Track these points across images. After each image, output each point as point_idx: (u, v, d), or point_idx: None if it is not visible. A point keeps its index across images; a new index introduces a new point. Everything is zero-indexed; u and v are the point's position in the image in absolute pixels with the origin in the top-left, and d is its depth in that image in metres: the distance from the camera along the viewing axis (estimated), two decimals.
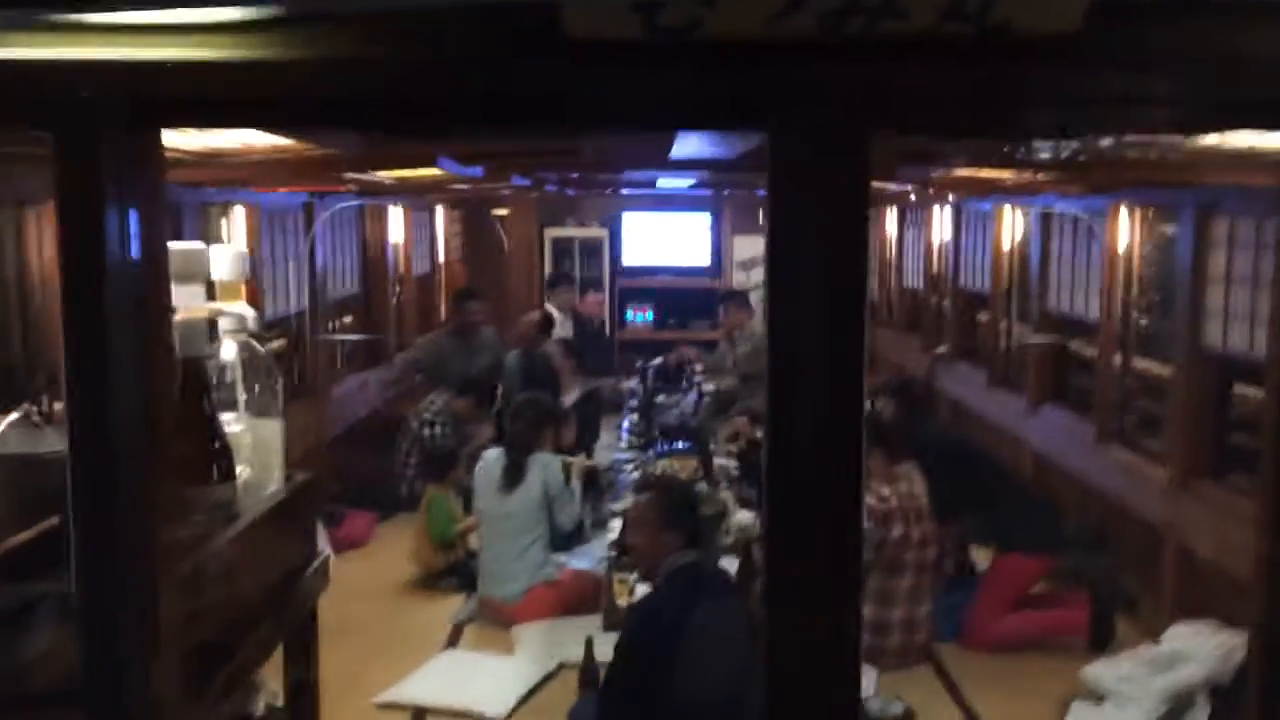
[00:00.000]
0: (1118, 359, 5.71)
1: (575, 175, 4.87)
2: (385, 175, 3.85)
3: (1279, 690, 1.46)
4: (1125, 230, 5.57)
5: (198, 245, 1.98)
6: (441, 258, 10.37)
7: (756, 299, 9.29)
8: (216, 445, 1.74)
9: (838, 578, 1.16)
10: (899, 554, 4.39)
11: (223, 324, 1.88)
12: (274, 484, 1.96)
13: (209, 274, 1.91)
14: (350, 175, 3.46)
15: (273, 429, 1.96)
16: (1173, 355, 5.09)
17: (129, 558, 1.26)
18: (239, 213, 5.64)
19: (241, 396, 1.91)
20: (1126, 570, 5.12)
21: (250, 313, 1.92)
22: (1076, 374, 6.50)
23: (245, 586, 1.75)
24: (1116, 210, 5.53)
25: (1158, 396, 5.62)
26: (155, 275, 1.26)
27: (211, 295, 1.97)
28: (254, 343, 1.94)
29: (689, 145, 3.30)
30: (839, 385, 1.12)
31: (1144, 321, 5.61)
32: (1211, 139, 2.58)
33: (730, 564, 4.53)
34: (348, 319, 7.68)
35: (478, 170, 3.91)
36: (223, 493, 1.72)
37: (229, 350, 1.89)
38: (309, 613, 2.13)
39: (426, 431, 6.58)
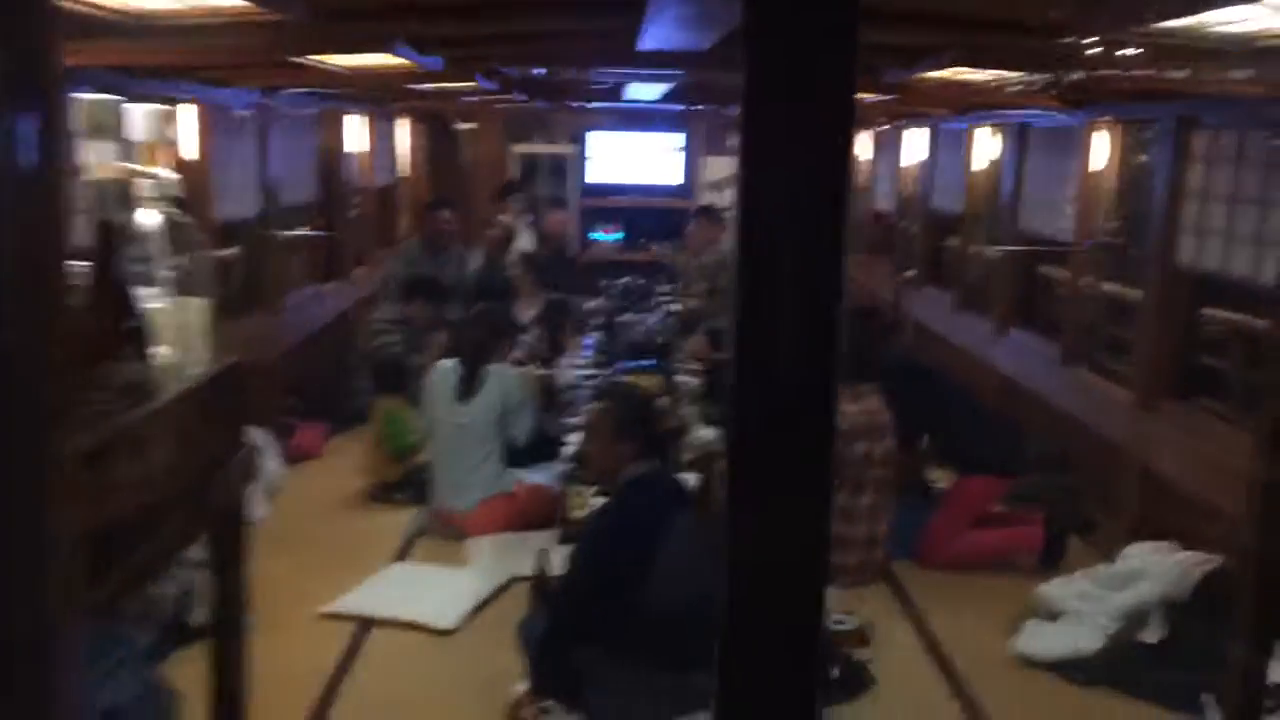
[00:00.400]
0: (1087, 280, 5.64)
1: (540, 73, 4.66)
2: (338, 63, 3.64)
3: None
4: (1102, 146, 5.46)
5: (110, 96, 1.81)
6: (405, 171, 10.11)
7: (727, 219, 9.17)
8: (129, 320, 1.60)
9: (808, 497, 1.05)
10: (861, 472, 4.33)
11: (141, 189, 1.73)
12: (197, 367, 1.83)
13: (122, 131, 1.75)
14: (299, 60, 3.26)
15: (198, 309, 1.83)
16: (1144, 276, 5.02)
17: (16, 429, 1.13)
18: (187, 112, 5.40)
19: (165, 271, 1.77)
20: (1088, 492, 5.10)
21: (172, 176, 1.77)
22: (1046, 297, 6.43)
23: (156, 473, 1.62)
24: (1093, 126, 5.41)
25: (1127, 319, 5.57)
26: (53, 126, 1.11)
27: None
28: (179, 212, 1.79)
29: (657, 35, 3.13)
30: (816, 298, 1.00)
31: (1118, 241, 5.53)
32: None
33: (692, 481, 4.46)
34: (304, 229, 7.45)
35: (437, 61, 3.71)
36: (134, 371, 1.59)
37: (149, 218, 1.75)
38: (232, 509, 2.01)
39: (376, 341, 6.41)
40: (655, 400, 4.70)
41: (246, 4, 2.16)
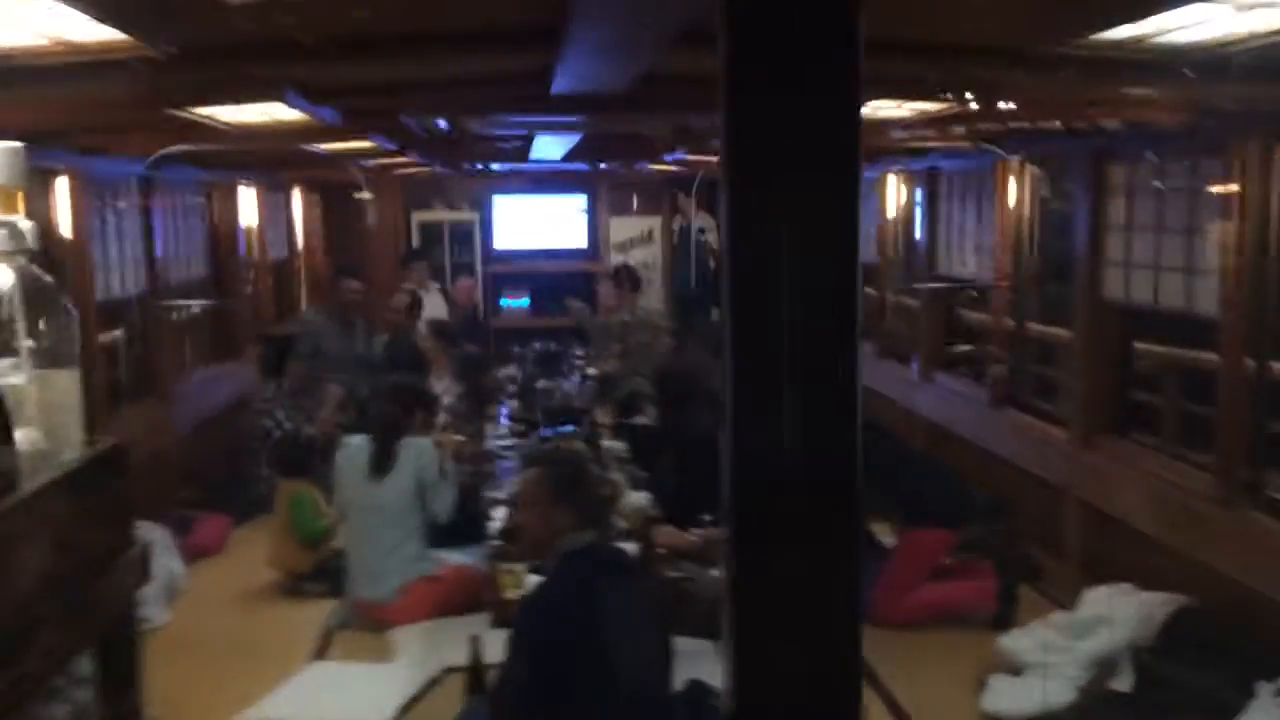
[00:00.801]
0: (1009, 321, 5.59)
1: (443, 127, 4.41)
2: (225, 119, 3.35)
3: None
4: (1017, 185, 5.44)
5: None
6: (300, 242, 9.74)
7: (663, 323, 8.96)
8: None
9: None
10: None
11: None
12: (69, 450, 1.51)
13: None
14: (179, 114, 2.96)
15: (67, 382, 1.52)
16: (1069, 313, 4.98)
17: None
18: (61, 183, 5.02)
19: (24, 340, 1.46)
20: (1032, 537, 4.98)
21: (29, 226, 1.47)
22: (967, 340, 6.39)
23: (25, 576, 1.31)
24: (1005, 165, 5.40)
25: (1054, 358, 5.53)
26: None
27: None
28: (39, 270, 1.49)
29: (573, 74, 2.93)
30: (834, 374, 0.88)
31: (1035, 279, 5.50)
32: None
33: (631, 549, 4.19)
34: (195, 307, 7.03)
35: (332, 113, 3.45)
36: None
37: (3, 277, 1.44)
38: (123, 615, 1.68)
39: (268, 421, 6.00)
40: (589, 464, 4.43)
41: (111, 39, 1.89)
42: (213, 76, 2.63)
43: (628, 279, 8.25)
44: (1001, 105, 3.22)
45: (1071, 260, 4.91)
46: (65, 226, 4.99)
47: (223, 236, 7.44)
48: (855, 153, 0.84)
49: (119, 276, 5.53)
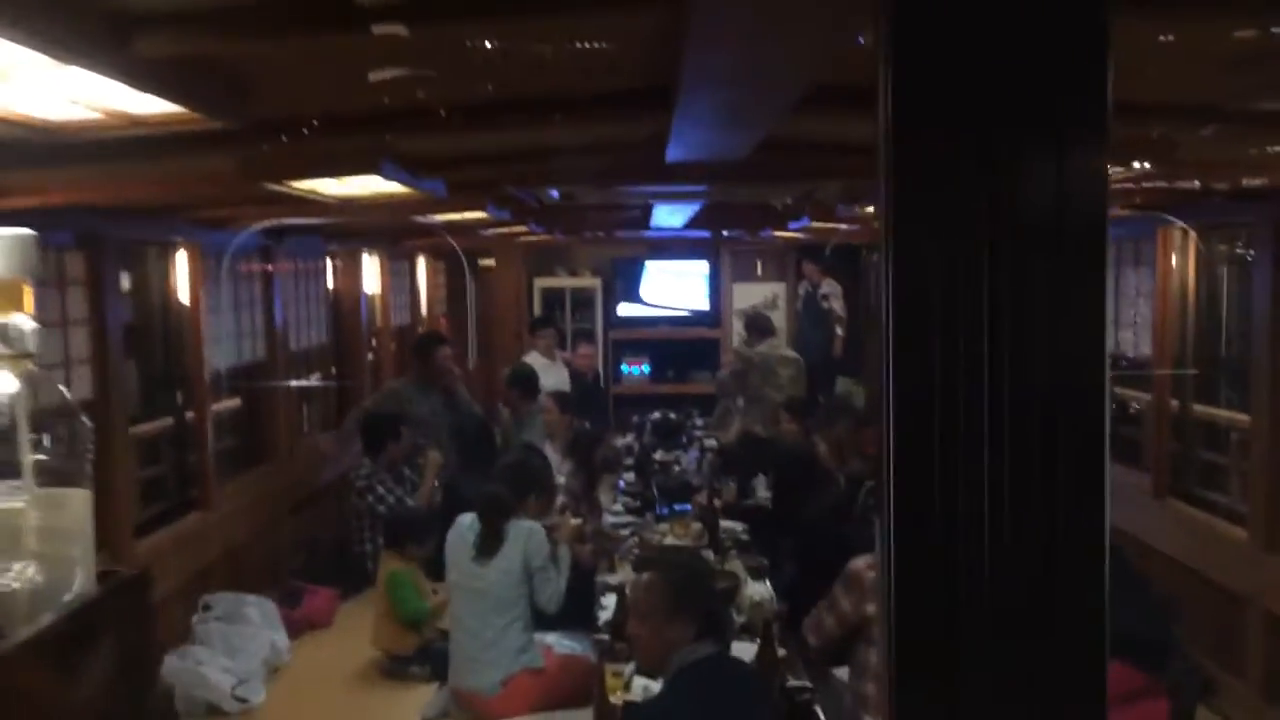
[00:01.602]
0: (1173, 402, 5.07)
1: (555, 195, 4.24)
2: (326, 191, 3.22)
3: None
4: (1180, 254, 4.95)
5: None
6: (424, 310, 9.76)
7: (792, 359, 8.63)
8: None
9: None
10: None
11: None
12: (77, 585, 1.30)
13: None
14: (278, 188, 2.84)
15: (77, 505, 1.31)
16: (1243, 395, 4.46)
17: None
18: (180, 255, 5.04)
19: (27, 456, 1.26)
20: (1201, 649, 4.41)
21: (32, 327, 1.27)
22: (1120, 422, 5.85)
23: None
24: (1168, 232, 4.92)
25: (1222, 446, 4.98)
26: None
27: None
28: (46, 375, 1.29)
29: (685, 143, 2.68)
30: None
31: (1210, 356, 4.98)
32: None
33: (744, 649, 3.83)
34: (314, 376, 7.03)
35: (438, 185, 3.29)
36: None
37: (4, 383, 1.25)
38: None
39: (370, 498, 5.80)
40: (712, 570, 4.09)
41: (182, 111, 1.73)
42: (301, 151, 2.48)
43: (755, 326, 8.00)
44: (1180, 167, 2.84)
45: (1246, 336, 4.40)
46: (183, 296, 5.01)
47: (345, 304, 7.46)
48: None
49: (237, 345, 5.52)
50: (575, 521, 4.97)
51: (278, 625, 5.02)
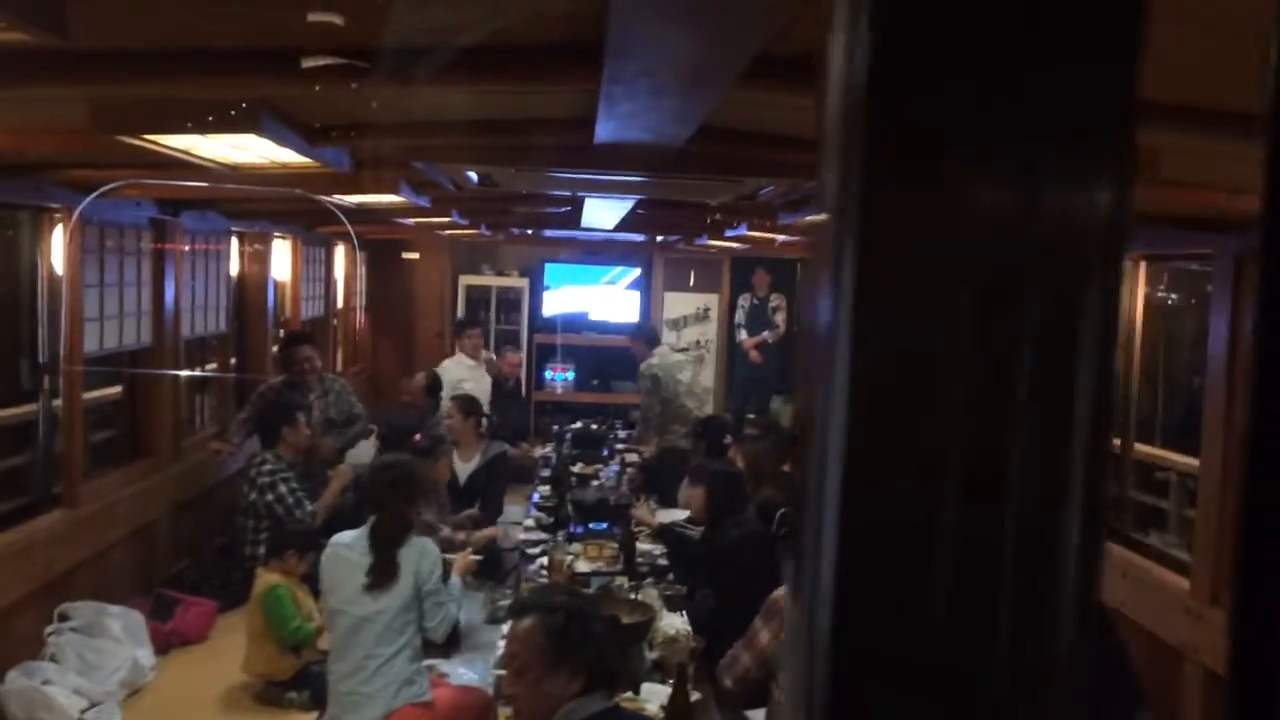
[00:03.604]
0: (1114, 443, 4.87)
1: (475, 179, 3.84)
2: (201, 154, 2.82)
3: None
4: (1125, 287, 4.75)
5: None
6: (340, 302, 9.28)
7: (689, 359, 8.44)
8: None
9: None
10: None
11: None
12: None
13: None
14: (143, 145, 2.43)
15: None
16: (1187, 435, 4.25)
17: None
18: (57, 225, 4.55)
19: None
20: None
21: None
22: None
23: None
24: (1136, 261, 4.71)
25: (1160, 489, 4.79)
26: None
27: None
28: None
29: (614, 120, 2.34)
30: None
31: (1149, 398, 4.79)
32: None
33: (655, 692, 3.48)
34: (211, 366, 6.54)
35: (340, 156, 2.91)
36: None
37: None
38: None
39: (270, 495, 5.31)
40: (597, 612, 3.72)
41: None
42: (166, 97, 2.08)
43: (643, 336, 7.83)
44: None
45: (1193, 373, 4.20)
46: (60, 270, 4.52)
47: (250, 290, 6.97)
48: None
49: (119, 328, 5.03)
50: (474, 557, 4.59)
51: (143, 640, 4.54)
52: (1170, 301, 5.05)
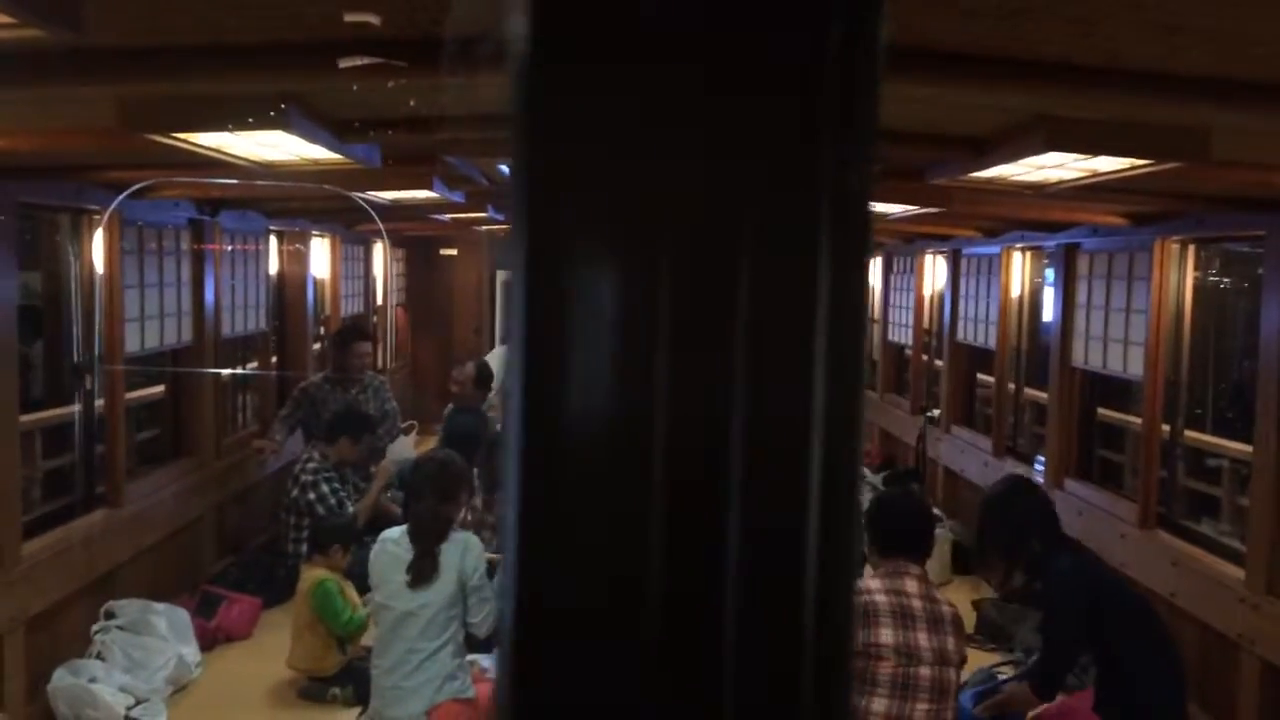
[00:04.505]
0: (1163, 426, 4.76)
1: (508, 171, 3.84)
2: (233, 152, 2.82)
3: None
4: (1176, 269, 4.64)
5: None
6: (379, 299, 9.33)
7: None
8: None
9: None
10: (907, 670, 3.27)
11: None
12: None
13: None
14: (175, 144, 2.43)
15: None
16: (1242, 422, 4.14)
17: None
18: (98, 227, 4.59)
19: None
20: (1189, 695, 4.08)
21: None
22: (1111, 441, 5.56)
23: None
24: (1165, 244, 4.59)
25: (1214, 476, 4.68)
26: None
27: None
28: None
29: None
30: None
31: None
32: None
33: None
34: (252, 364, 6.59)
35: (371, 152, 2.90)
36: None
37: None
38: None
39: (312, 494, 5.37)
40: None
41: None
42: (193, 95, 2.07)
43: None
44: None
45: (1246, 358, 4.09)
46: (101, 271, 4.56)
47: (290, 288, 7.02)
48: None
49: (159, 328, 5.07)
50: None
51: (188, 637, 4.58)
52: (1221, 285, 4.93)
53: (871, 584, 3.22)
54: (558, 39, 0.35)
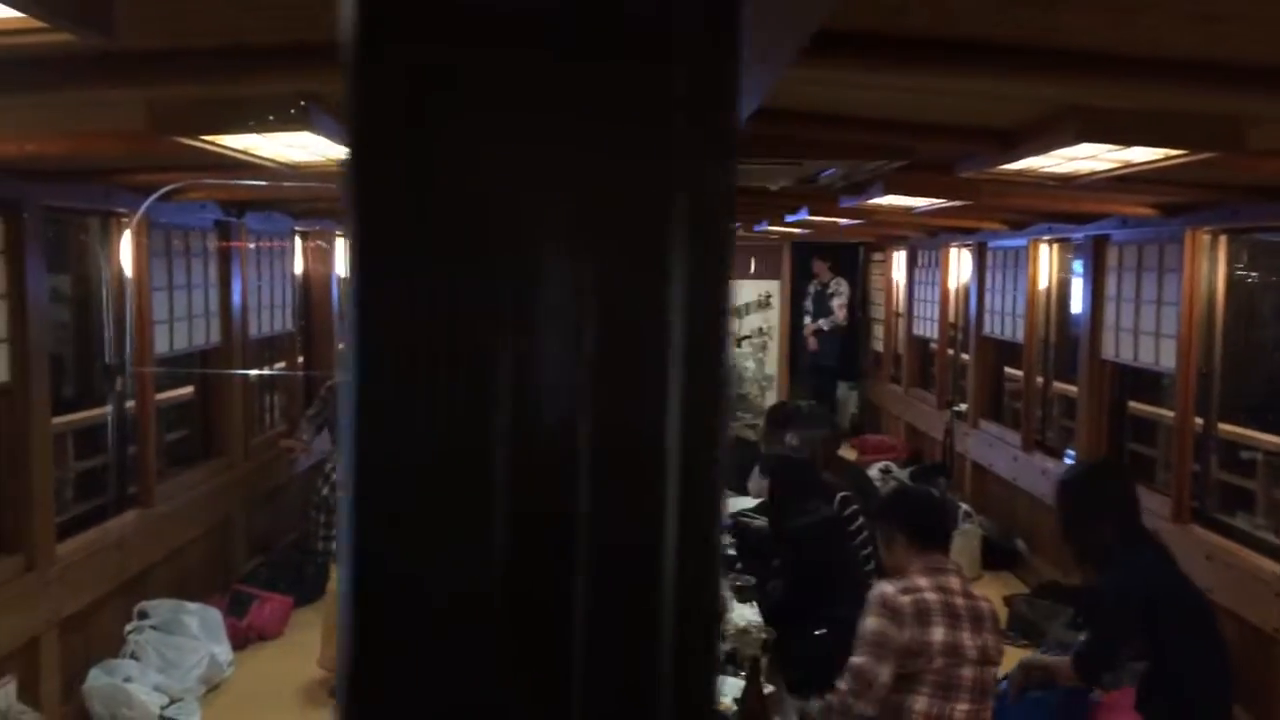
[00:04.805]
0: (1196, 419, 4.70)
1: None
2: (261, 154, 2.83)
3: None
4: (1208, 260, 4.58)
5: None
6: None
7: (750, 350, 8.42)
8: None
9: None
10: (951, 669, 3.22)
11: None
12: None
13: None
14: (196, 145, 2.44)
15: None
16: (1276, 413, 4.08)
17: None
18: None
19: None
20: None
21: None
22: (1142, 434, 5.50)
23: None
24: (1196, 236, 4.54)
25: (1248, 468, 4.62)
26: None
27: None
28: None
29: None
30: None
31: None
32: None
33: (726, 686, 3.44)
34: (279, 365, 6.62)
35: None
36: None
37: None
38: None
39: (341, 492, 5.39)
40: None
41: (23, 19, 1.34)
42: (218, 95, 2.08)
43: None
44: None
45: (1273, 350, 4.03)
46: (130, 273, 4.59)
47: (316, 288, 7.05)
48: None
49: (188, 329, 5.10)
50: None
51: (221, 636, 4.61)
52: (1255, 276, 4.86)
53: (920, 581, 3.09)
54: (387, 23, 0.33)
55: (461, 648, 0.35)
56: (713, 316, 0.35)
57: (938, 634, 3.04)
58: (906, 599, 3.01)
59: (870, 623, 2.97)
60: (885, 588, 3.04)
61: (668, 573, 0.36)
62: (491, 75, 0.34)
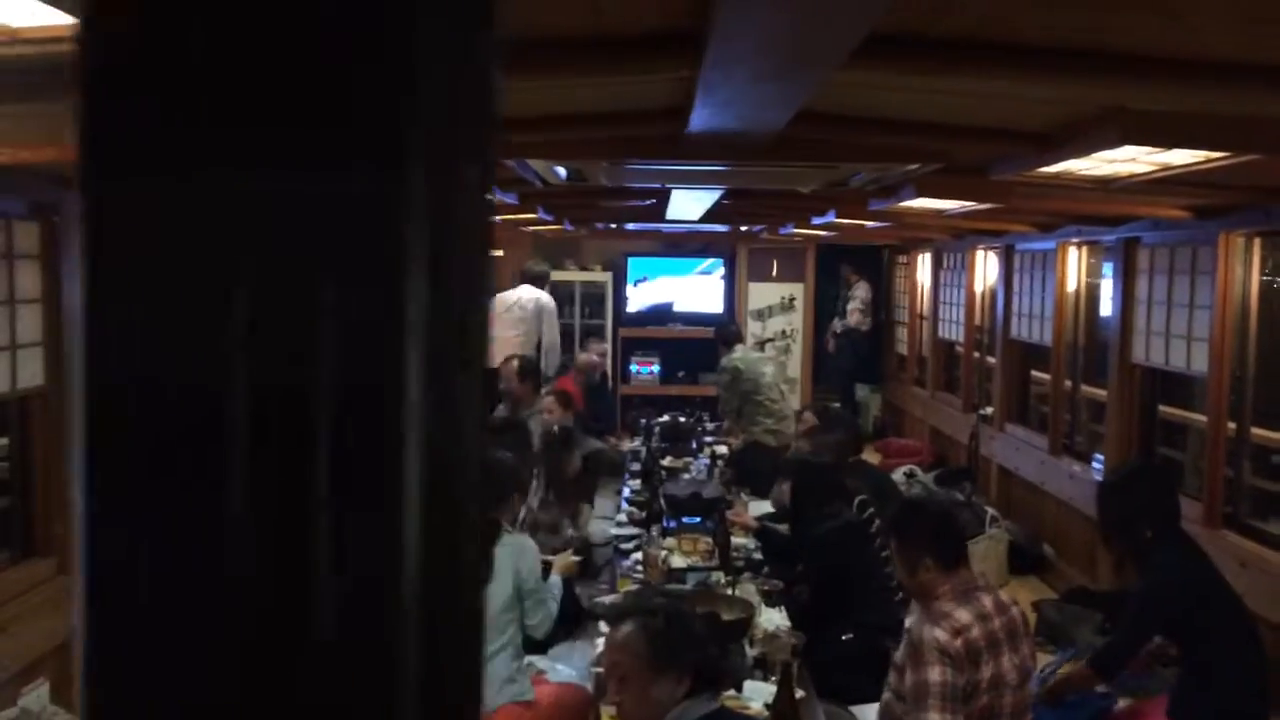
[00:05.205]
0: (1229, 424, 4.65)
1: (563, 175, 3.80)
2: None
3: None
4: (1241, 263, 4.53)
5: None
6: None
7: (769, 355, 8.44)
8: None
9: None
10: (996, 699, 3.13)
11: None
12: None
13: None
14: None
15: None
16: None
17: None
18: None
19: None
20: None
21: None
22: (1173, 439, 5.46)
23: None
24: (1229, 238, 4.49)
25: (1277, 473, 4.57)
26: None
27: None
28: None
29: (710, 109, 2.28)
30: None
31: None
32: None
33: (758, 690, 3.43)
34: None
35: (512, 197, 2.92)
36: None
37: None
38: None
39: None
40: (709, 581, 3.68)
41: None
42: None
43: (723, 338, 7.85)
44: None
45: None
46: None
47: None
48: None
49: None
50: (575, 558, 4.59)
51: None
52: None
53: (961, 616, 2.93)
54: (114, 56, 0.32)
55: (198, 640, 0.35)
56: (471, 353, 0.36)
57: (986, 672, 2.94)
58: (958, 643, 2.88)
59: (934, 674, 2.81)
60: (938, 634, 2.83)
61: (408, 569, 0.36)
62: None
